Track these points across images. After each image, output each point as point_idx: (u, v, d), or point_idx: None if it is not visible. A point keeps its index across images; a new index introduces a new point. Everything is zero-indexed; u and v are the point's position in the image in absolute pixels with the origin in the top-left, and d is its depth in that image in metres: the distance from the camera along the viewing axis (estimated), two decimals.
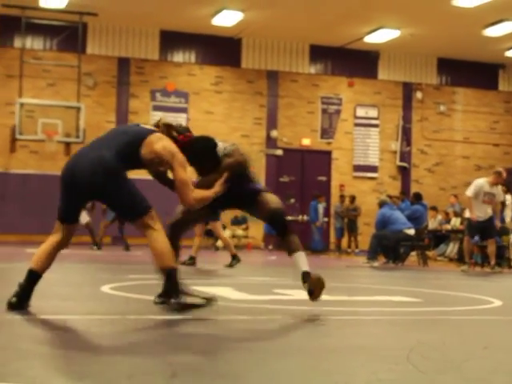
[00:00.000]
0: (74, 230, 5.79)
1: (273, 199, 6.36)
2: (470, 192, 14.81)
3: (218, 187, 5.99)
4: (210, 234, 21.26)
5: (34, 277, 5.70)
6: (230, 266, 12.79)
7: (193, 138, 6.11)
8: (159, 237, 5.60)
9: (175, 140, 5.90)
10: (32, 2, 21.04)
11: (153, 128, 5.91)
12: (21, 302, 5.61)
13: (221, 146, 6.25)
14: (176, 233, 6.37)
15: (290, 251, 6.30)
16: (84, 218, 19.67)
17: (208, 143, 6.25)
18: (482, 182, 14.97)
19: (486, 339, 5.21)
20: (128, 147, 5.65)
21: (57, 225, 5.73)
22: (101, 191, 5.57)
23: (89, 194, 5.66)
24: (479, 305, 7.60)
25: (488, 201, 14.74)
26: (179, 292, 5.65)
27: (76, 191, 5.62)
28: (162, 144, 5.70)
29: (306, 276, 6.27)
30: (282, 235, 6.34)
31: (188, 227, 6.60)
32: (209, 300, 5.85)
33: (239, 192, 6.33)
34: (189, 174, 5.79)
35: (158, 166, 5.87)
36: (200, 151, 6.15)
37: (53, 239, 5.72)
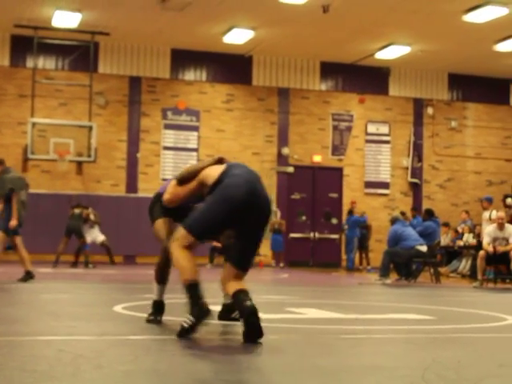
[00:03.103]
0: None
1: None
2: (485, 241, 15.07)
3: None
4: (222, 252, 21.28)
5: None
6: (23, 280, 12.28)
7: None
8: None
9: None
10: (44, 22, 21.17)
11: None
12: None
13: None
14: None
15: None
16: (99, 236, 19.69)
17: None
18: (491, 229, 15.14)
19: (501, 357, 5.18)
20: None
21: (191, 240, 5.71)
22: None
23: (258, 222, 5.72)
24: (493, 322, 7.56)
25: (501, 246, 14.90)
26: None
27: (252, 215, 5.65)
28: None
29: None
30: None
31: None
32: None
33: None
34: None
35: None
36: None
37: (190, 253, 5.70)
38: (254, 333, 5.39)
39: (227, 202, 5.59)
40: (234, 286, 5.63)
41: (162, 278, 6.61)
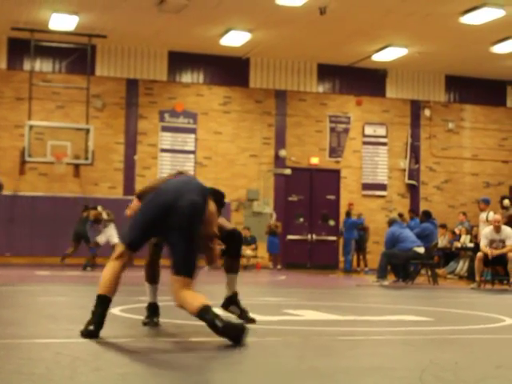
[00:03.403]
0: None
1: (225, 221, 6.95)
2: (483, 243, 15.07)
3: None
4: (223, 253, 21.25)
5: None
6: None
7: None
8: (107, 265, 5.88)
9: None
10: (41, 25, 21.16)
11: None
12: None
13: None
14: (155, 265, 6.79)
15: (233, 270, 6.91)
16: (114, 236, 19.32)
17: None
18: (487, 231, 15.16)
19: (499, 358, 5.19)
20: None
21: (122, 249, 5.87)
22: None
23: (182, 225, 5.72)
24: (490, 323, 7.56)
25: (498, 248, 14.94)
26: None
27: (174, 218, 5.72)
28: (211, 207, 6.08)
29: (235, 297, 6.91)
30: (234, 255, 6.91)
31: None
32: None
33: None
34: None
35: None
36: None
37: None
38: (238, 340, 5.42)
39: (150, 207, 5.81)
40: (193, 300, 5.60)
41: (151, 277, 6.77)
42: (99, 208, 19.51)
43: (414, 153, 25.94)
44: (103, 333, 5.66)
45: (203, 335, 5.93)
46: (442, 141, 26.41)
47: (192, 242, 5.72)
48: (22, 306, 8.43)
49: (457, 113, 26.67)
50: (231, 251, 6.90)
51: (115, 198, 22.96)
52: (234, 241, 6.89)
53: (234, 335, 5.40)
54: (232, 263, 6.91)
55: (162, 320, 6.67)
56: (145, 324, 6.59)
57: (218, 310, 6.23)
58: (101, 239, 19.22)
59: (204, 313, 5.46)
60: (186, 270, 5.68)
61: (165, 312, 6.74)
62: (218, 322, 5.40)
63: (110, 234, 19.14)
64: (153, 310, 6.71)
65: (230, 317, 6.49)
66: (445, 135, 26.50)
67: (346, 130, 25.49)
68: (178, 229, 5.68)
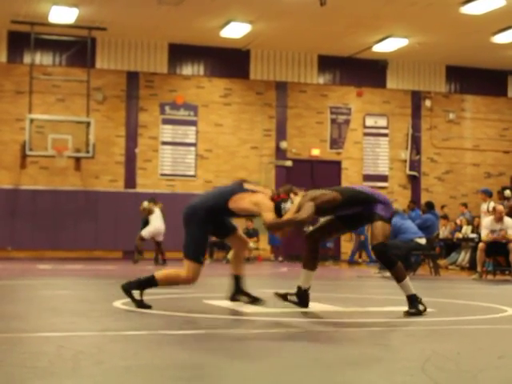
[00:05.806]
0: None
1: (378, 232, 7.23)
2: (484, 234, 15.16)
3: (289, 216, 7.02)
4: (222, 247, 21.28)
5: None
6: None
7: (277, 199, 7.09)
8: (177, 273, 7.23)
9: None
10: (41, 18, 21.15)
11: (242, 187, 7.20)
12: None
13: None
14: (313, 244, 7.63)
15: (398, 280, 7.28)
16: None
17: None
18: (487, 221, 15.19)
19: (501, 348, 5.19)
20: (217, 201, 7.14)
21: None
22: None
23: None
24: (493, 314, 7.57)
25: (500, 238, 14.95)
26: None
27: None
28: (248, 200, 7.03)
29: (413, 298, 7.36)
30: (388, 268, 7.32)
31: (324, 239, 7.92)
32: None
33: (361, 212, 7.36)
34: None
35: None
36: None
37: None
38: None
39: None
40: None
41: (304, 263, 7.75)
42: (145, 203, 19.34)
43: (415, 144, 25.93)
44: (105, 326, 5.65)
45: (206, 328, 5.93)
46: (442, 131, 26.39)
47: (187, 234, 7.12)
48: (24, 300, 8.44)
49: (458, 103, 26.65)
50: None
51: (116, 191, 23.00)
52: (377, 257, 7.40)
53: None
54: (392, 275, 7.31)
55: (165, 312, 6.67)
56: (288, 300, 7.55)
57: None
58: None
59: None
60: (187, 255, 7.10)
61: (170, 305, 6.74)
62: None
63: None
64: (299, 295, 7.55)
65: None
66: (446, 126, 26.48)
67: (347, 122, 25.48)
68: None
